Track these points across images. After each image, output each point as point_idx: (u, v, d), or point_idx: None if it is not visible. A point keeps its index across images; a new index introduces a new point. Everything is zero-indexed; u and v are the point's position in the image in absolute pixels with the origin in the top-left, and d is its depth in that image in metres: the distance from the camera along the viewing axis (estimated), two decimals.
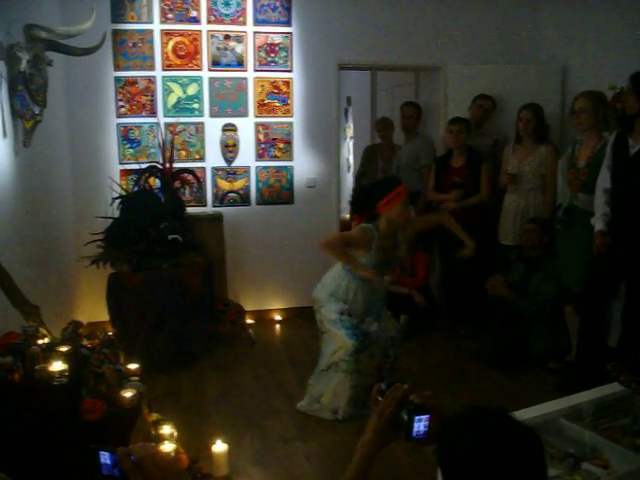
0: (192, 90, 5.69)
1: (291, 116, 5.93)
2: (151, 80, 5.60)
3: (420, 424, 1.51)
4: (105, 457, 1.22)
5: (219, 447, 3.19)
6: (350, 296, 4.03)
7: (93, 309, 5.35)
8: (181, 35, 5.59)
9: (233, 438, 3.61)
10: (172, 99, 5.67)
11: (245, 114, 5.82)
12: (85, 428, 2.46)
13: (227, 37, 5.68)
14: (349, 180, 9.27)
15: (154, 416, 3.18)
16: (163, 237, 4.93)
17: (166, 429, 3.06)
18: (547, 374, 4.60)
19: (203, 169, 5.79)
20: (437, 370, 4.79)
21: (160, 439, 2.97)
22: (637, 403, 2.88)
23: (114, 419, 2.57)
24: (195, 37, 5.62)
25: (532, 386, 4.41)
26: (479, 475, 1.24)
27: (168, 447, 2.89)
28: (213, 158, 5.82)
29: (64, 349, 2.77)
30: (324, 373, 4.01)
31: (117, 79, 5.53)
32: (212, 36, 5.65)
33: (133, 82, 5.56)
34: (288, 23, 5.79)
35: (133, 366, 3.08)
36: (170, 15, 5.54)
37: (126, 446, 1.24)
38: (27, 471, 2.26)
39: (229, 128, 5.80)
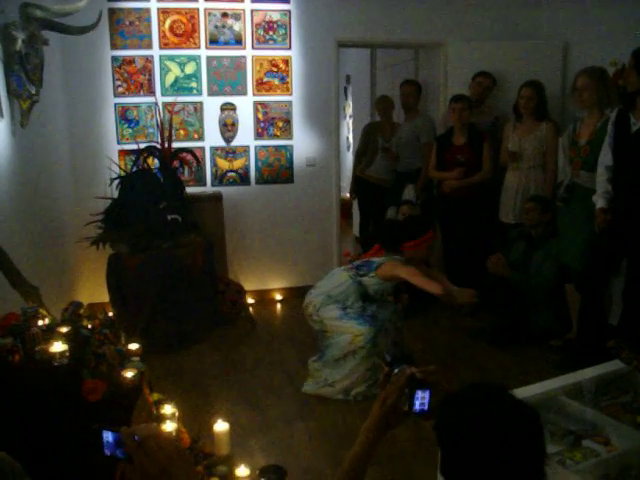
0: (190, 69, 5.65)
1: (290, 94, 5.88)
2: (149, 59, 5.55)
3: (420, 399, 1.51)
4: (108, 437, 1.21)
5: (220, 426, 3.20)
6: (349, 302, 4.06)
7: (93, 290, 5.36)
8: (178, 13, 5.53)
9: (234, 417, 3.63)
10: (170, 78, 5.62)
11: (244, 93, 5.78)
12: (87, 408, 2.46)
13: (225, 15, 5.62)
14: (349, 159, 9.24)
15: (155, 396, 3.18)
16: (162, 217, 4.91)
17: (167, 409, 3.07)
18: (548, 352, 4.61)
19: (202, 148, 5.76)
20: (438, 349, 4.80)
21: (162, 419, 2.98)
22: (638, 380, 2.88)
23: (115, 399, 2.57)
24: (192, 15, 5.56)
25: (533, 364, 4.42)
26: (477, 452, 1.24)
27: (170, 427, 2.90)
28: (212, 137, 5.79)
29: (64, 330, 2.77)
30: (340, 362, 3.99)
31: (114, 58, 5.48)
32: (209, 14, 5.59)
33: (130, 61, 5.52)
34: (286, 0, 5.72)
35: (134, 346, 3.08)
36: None
37: (128, 426, 1.23)
38: (29, 452, 2.26)
39: (228, 107, 5.77)
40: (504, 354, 4.62)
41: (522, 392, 2.51)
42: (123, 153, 5.60)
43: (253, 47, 5.73)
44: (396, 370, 1.56)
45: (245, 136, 5.86)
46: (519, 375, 4.17)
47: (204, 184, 5.83)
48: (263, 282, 6.10)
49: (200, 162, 5.65)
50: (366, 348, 3.90)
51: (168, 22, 5.52)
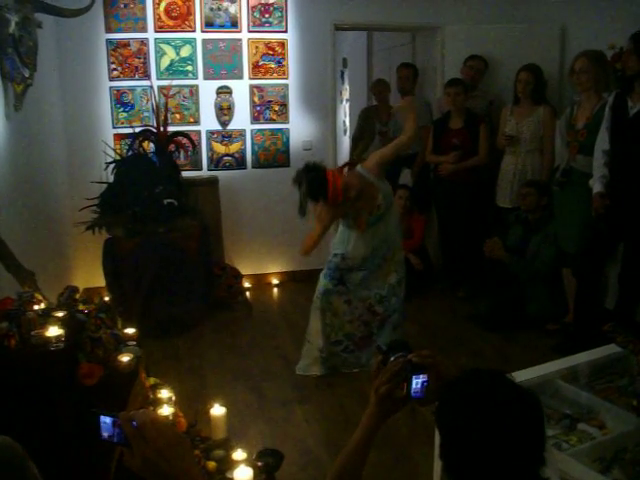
0: (185, 52, 5.60)
1: (286, 78, 5.85)
2: (143, 42, 5.50)
3: (418, 383, 1.50)
4: (106, 422, 1.21)
5: (217, 410, 3.20)
6: (349, 247, 4.08)
7: (89, 275, 5.34)
8: None
9: (231, 401, 3.63)
10: (165, 61, 5.58)
11: (240, 76, 5.74)
12: (83, 393, 2.47)
13: None
14: (345, 142, 9.20)
15: (152, 380, 3.19)
16: (158, 201, 4.89)
17: (164, 393, 3.07)
18: (544, 336, 4.62)
19: (198, 132, 5.73)
20: (434, 332, 4.80)
21: (158, 403, 2.98)
22: (633, 364, 2.89)
23: (112, 383, 2.57)
24: None
25: (529, 348, 4.43)
26: (477, 437, 1.24)
27: (166, 411, 2.90)
28: (208, 121, 5.76)
29: (60, 314, 2.76)
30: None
31: (109, 41, 5.43)
32: None
33: (125, 44, 5.47)
34: None
35: (130, 330, 3.08)
36: None
37: (124, 410, 1.23)
38: (25, 437, 2.26)
39: (224, 90, 5.73)
40: (500, 338, 4.64)
41: (518, 375, 2.50)
42: (118, 137, 5.56)
43: (249, 30, 5.68)
44: (392, 358, 1.55)
45: (241, 120, 5.82)
46: (514, 359, 4.19)
47: (200, 168, 5.80)
48: (259, 266, 6.09)
49: (196, 146, 5.62)
50: (319, 299, 4.07)
51: (163, 5, 5.46)
